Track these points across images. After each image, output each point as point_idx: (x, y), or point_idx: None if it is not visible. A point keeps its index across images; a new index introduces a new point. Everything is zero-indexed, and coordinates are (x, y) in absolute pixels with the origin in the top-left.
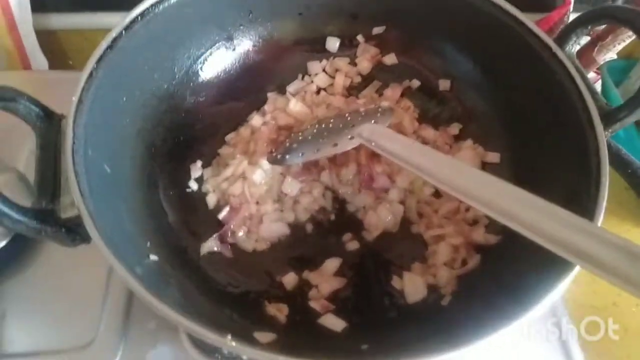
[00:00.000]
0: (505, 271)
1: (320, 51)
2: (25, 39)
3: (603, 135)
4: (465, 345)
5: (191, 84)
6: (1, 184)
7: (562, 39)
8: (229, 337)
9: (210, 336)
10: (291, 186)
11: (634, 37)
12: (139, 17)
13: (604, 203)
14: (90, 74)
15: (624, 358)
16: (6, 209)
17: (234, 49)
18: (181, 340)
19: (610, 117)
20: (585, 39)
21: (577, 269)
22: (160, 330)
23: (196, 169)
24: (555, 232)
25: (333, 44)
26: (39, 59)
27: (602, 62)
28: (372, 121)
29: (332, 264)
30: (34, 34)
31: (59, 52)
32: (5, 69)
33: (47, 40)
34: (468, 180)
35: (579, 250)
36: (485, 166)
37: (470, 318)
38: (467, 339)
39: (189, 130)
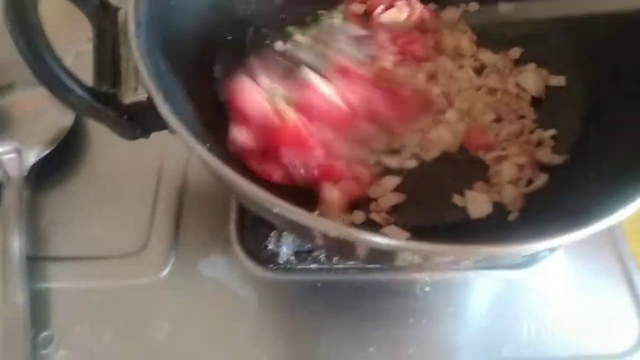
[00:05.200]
0: (574, 191)
1: None
2: None
3: None
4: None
5: None
6: None
7: None
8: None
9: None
10: None
11: None
12: None
13: None
14: None
15: None
16: (72, 85)
17: None
18: (234, 251)
19: None
20: None
21: None
22: (212, 240)
23: None
24: None
25: None
26: None
27: None
28: None
29: (391, 181)
30: None
31: None
32: None
33: None
34: None
35: None
36: (549, 90)
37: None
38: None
39: None
